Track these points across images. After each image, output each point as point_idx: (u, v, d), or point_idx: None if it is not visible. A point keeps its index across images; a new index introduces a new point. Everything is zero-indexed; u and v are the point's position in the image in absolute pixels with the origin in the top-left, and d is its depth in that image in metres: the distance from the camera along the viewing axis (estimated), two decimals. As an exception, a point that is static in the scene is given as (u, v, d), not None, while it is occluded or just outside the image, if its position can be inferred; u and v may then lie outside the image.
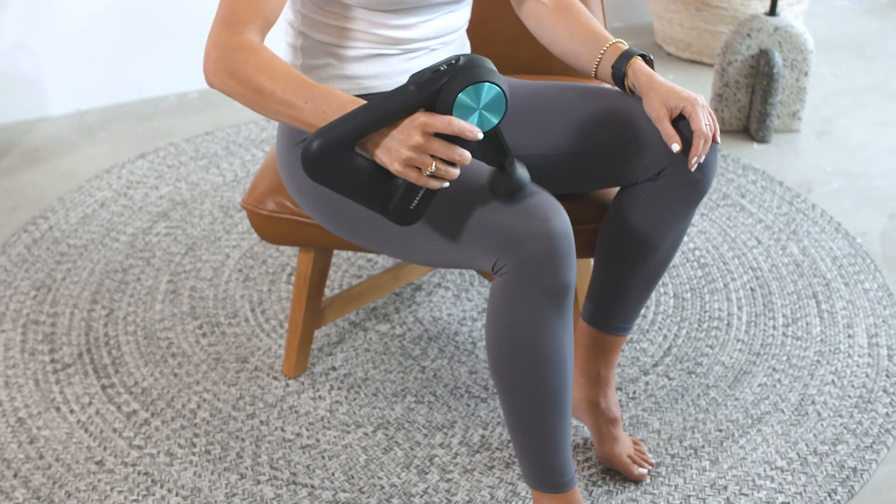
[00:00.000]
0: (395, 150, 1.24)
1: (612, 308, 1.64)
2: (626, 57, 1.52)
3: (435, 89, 1.23)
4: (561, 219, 1.34)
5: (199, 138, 2.81)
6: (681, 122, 1.48)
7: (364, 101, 1.28)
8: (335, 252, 2.30)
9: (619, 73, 1.53)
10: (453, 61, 1.25)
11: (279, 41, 1.58)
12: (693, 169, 1.46)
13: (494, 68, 1.26)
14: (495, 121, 1.27)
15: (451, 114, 1.24)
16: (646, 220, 1.55)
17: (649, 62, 1.53)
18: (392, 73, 1.53)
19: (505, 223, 1.34)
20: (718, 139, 1.48)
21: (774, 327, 2.11)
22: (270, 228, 1.73)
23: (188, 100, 3.06)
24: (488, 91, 1.24)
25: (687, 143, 1.47)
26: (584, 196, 1.67)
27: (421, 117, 1.23)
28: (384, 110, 1.24)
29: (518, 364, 1.40)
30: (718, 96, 2.83)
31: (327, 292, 2.19)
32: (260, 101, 1.32)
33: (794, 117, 2.87)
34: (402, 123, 1.24)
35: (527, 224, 1.33)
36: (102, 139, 2.84)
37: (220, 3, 1.38)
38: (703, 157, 1.46)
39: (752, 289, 2.22)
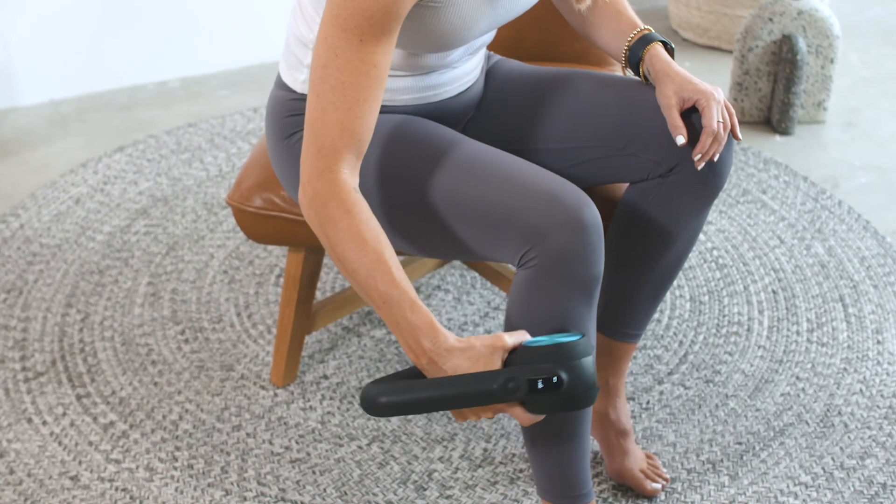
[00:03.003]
0: (459, 413, 1.31)
1: (621, 313, 1.65)
2: (644, 41, 1.53)
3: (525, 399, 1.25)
4: (591, 209, 1.36)
5: (180, 130, 2.81)
6: (693, 115, 1.49)
7: (448, 339, 1.27)
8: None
9: (635, 57, 1.54)
10: (554, 379, 1.23)
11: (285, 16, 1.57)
12: (699, 168, 1.46)
13: (594, 380, 1.25)
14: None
15: (534, 413, 1.27)
16: (655, 219, 1.56)
17: (670, 50, 1.54)
18: (413, 89, 1.53)
19: (534, 213, 1.35)
20: (739, 136, 1.48)
21: (798, 333, 2.11)
22: (257, 227, 1.74)
23: (169, 89, 3.06)
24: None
25: (697, 137, 1.48)
26: (592, 191, 1.67)
27: (500, 406, 1.28)
28: (465, 398, 1.24)
29: None
30: (738, 85, 2.84)
31: (318, 295, 2.19)
32: (341, 267, 1.33)
33: (819, 107, 2.87)
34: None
35: (558, 214, 1.34)
36: (77, 131, 2.84)
37: (308, 121, 1.33)
38: (714, 157, 1.46)
39: (774, 291, 2.22)
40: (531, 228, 1.35)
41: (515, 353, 1.27)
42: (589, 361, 1.25)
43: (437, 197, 1.42)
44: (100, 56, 3.01)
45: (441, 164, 1.44)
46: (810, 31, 2.76)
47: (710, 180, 1.52)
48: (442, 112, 1.57)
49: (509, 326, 1.42)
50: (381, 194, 1.48)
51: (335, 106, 1.30)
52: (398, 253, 1.68)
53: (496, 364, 1.26)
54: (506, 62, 1.71)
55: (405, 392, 1.26)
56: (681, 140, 1.45)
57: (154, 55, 3.07)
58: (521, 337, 1.30)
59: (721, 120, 1.46)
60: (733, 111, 1.49)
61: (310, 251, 1.82)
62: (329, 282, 2.24)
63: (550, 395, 1.23)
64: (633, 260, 1.60)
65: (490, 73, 1.69)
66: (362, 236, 1.29)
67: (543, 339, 1.28)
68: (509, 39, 1.98)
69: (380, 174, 1.47)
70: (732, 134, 1.49)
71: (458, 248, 1.46)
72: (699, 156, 1.45)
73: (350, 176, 1.32)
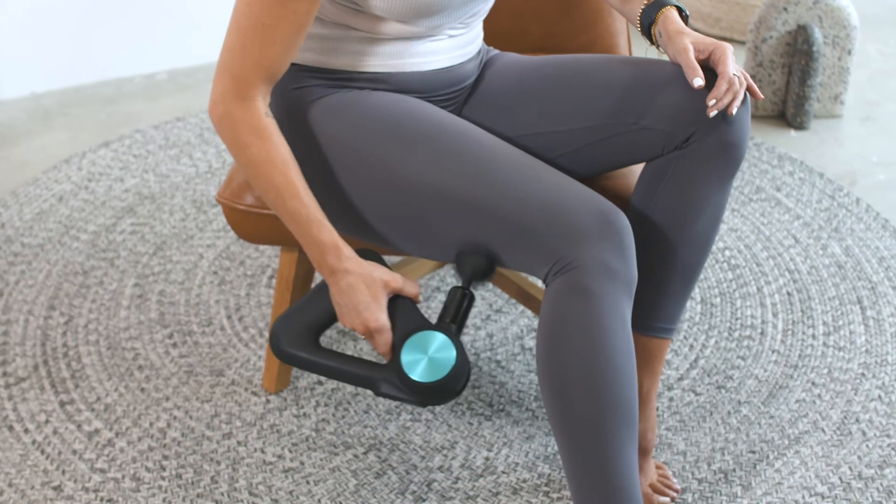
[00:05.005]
0: (346, 321, 1.51)
1: (651, 306, 1.63)
2: (658, 4, 1.55)
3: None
4: (622, 214, 1.43)
5: (168, 124, 2.81)
6: (708, 74, 1.49)
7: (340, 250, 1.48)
8: (321, 252, 2.30)
9: (647, 18, 1.55)
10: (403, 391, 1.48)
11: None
12: (711, 115, 1.45)
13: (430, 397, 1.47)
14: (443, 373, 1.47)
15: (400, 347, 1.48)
16: (675, 196, 1.55)
17: (684, 18, 1.55)
18: (394, 54, 1.54)
19: (571, 218, 1.40)
20: (760, 94, 1.48)
21: (814, 336, 2.11)
22: (249, 225, 1.74)
23: (156, 81, 3.06)
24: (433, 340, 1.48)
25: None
26: (602, 186, 1.67)
27: (368, 327, 1.49)
28: (350, 377, 1.51)
29: (596, 368, 1.40)
30: (751, 77, 2.84)
31: (313, 297, 2.19)
32: (253, 185, 1.50)
33: (836, 101, 2.87)
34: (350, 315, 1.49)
35: (597, 219, 1.40)
36: (60, 126, 2.84)
37: (227, 47, 1.45)
38: (732, 108, 1.44)
39: (788, 293, 2.22)
40: (571, 234, 1.39)
41: (399, 314, 1.49)
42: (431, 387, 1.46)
43: (444, 196, 1.45)
44: (84, 47, 3.00)
45: (450, 158, 1.46)
46: (827, 21, 2.76)
47: (731, 147, 1.51)
48: (428, 84, 1.58)
49: (551, 340, 1.42)
50: (382, 191, 1.49)
51: (253, 43, 1.43)
52: (396, 254, 1.68)
53: (381, 298, 1.47)
54: (505, 54, 1.71)
55: (309, 352, 1.51)
56: (698, 82, 1.45)
57: (141, 46, 3.07)
58: (411, 289, 1.49)
59: (738, 74, 1.46)
60: (747, 75, 1.50)
61: (303, 251, 1.82)
62: (324, 283, 2.24)
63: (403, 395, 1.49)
64: (657, 245, 1.59)
65: (488, 63, 1.70)
66: (272, 160, 1.46)
67: (420, 340, 1.47)
68: (511, 32, 1.98)
69: (380, 166, 1.49)
70: (750, 92, 1.49)
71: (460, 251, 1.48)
72: (714, 101, 1.44)
73: (262, 102, 1.47)
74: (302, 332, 1.52)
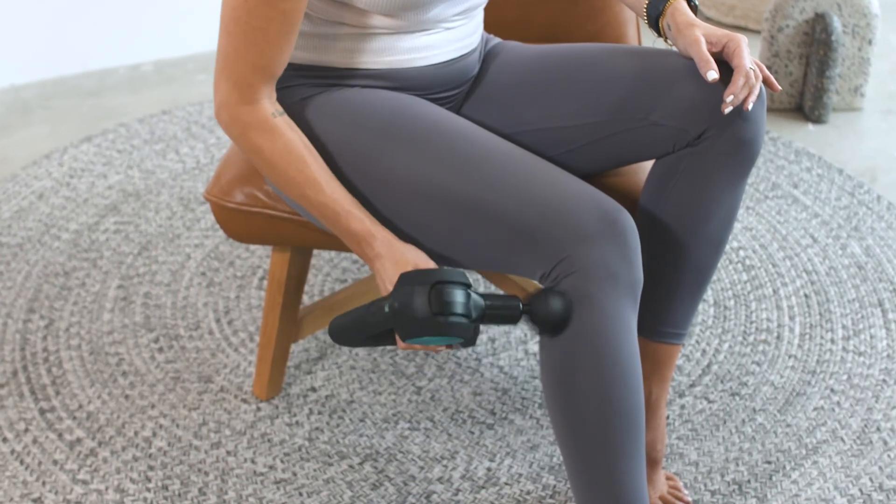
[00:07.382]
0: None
1: (660, 310, 1.63)
2: None
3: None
4: (626, 214, 1.42)
5: (154, 118, 2.81)
6: (722, 67, 1.48)
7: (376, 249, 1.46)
8: (315, 252, 2.30)
9: (654, 10, 1.55)
10: (385, 308, 1.40)
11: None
12: (726, 111, 1.44)
13: (425, 312, 1.37)
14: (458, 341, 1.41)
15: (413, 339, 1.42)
16: (686, 196, 1.55)
17: (693, 8, 1.54)
18: (393, 50, 1.54)
19: (572, 218, 1.39)
20: (777, 85, 1.48)
21: (833, 341, 2.11)
22: (239, 224, 1.74)
23: (141, 73, 3.06)
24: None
25: (727, 86, 1.47)
26: (609, 184, 1.67)
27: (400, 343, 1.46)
28: (370, 327, 1.45)
29: (600, 377, 1.40)
30: (767, 68, 2.84)
31: (305, 299, 2.19)
32: (271, 180, 1.52)
33: (856, 93, 2.87)
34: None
35: (598, 219, 1.39)
36: (41, 119, 2.84)
37: (221, 53, 1.47)
38: (748, 104, 1.44)
39: (806, 295, 2.22)
40: (571, 234, 1.38)
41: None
42: (417, 291, 1.38)
43: (441, 196, 1.45)
44: (66, 37, 3.01)
45: (445, 156, 1.46)
46: (846, 10, 2.76)
47: (746, 143, 1.51)
48: (427, 81, 1.58)
49: (554, 345, 1.42)
50: (374, 192, 1.49)
51: (247, 48, 1.45)
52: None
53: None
54: (508, 43, 1.71)
55: (338, 317, 1.48)
56: (712, 75, 1.44)
57: (125, 36, 3.07)
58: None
59: (753, 67, 1.46)
60: (763, 66, 1.50)
61: (296, 251, 1.82)
62: (317, 285, 2.24)
63: (389, 319, 1.41)
64: (667, 247, 1.58)
65: (489, 55, 1.69)
66: (287, 158, 1.48)
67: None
68: (515, 21, 1.98)
69: (372, 166, 1.49)
70: (768, 84, 1.49)
71: (476, 259, 1.48)
72: (731, 97, 1.44)
73: (268, 101, 1.49)
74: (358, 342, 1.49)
